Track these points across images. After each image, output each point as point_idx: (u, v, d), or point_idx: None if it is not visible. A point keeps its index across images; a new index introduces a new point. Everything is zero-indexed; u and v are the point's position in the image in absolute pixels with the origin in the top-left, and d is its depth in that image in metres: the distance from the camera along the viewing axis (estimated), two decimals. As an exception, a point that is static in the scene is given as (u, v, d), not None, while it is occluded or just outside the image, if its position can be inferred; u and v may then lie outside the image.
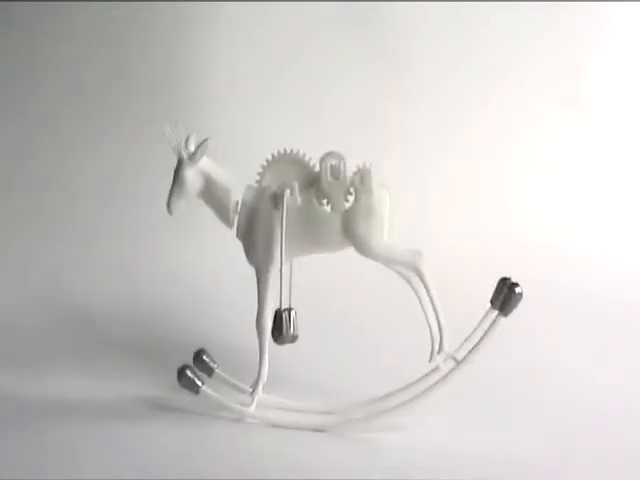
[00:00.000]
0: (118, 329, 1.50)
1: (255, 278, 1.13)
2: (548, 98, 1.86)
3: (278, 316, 1.08)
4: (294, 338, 1.09)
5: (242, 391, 1.17)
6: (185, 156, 1.09)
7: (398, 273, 1.11)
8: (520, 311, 1.13)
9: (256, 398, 1.12)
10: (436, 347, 1.09)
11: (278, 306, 1.08)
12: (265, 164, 1.10)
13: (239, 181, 1.11)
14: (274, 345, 1.10)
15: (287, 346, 1.09)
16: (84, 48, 1.77)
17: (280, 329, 1.07)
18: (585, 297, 1.59)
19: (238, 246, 1.14)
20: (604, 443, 1.06)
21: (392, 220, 1.08)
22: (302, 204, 1.08)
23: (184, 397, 1.18)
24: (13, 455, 1.02)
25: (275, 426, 1.10)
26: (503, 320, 1.05)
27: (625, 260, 1.76)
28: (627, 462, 1.02)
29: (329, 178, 1.07)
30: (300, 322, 1.10)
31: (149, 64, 1.76)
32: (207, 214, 1.72)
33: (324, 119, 1.75)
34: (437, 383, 1.07)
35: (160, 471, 0.97)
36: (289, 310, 1.09)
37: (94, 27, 1.77)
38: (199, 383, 1.11)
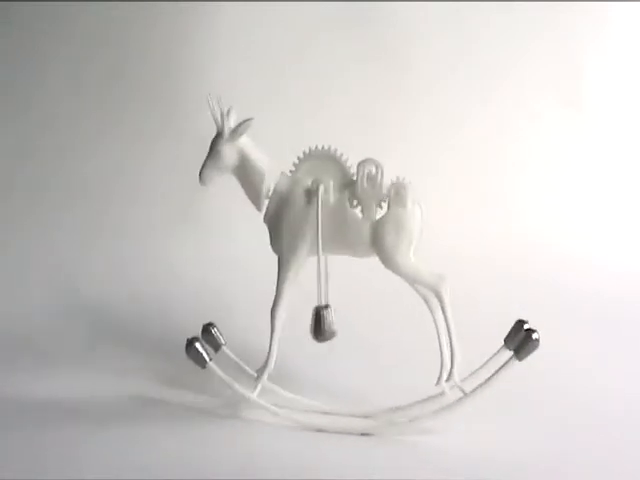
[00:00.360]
0: (118, 328, 1.50)
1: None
2: (548, 98, 1.86)
3: (317, 313, 1.07)
4: (333, 334, 1.08)
5: (247, 375, 1.16)
6: (226, 130, 1.08)
7: (416, 291, 1.11)
8: (520, 311, 1.13)
9: (260, 385, 1.12)
10: (445, 374, 1.09)
11: (317, 303, 1.08)
12: (301, 156, 1.09)
13: (275, 167, 1.10)
14: (282, 344, 1.10)
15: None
16: (84, 48, 1.77)
17: (320, 326, 1.07)
18: (585, 297, 1.59)
19: (238, 246, 1.14)
20: (604, 443, 1.06)
21: (420, 238, 1.08)
22: (334, 204, 1.08)
23: (184, 396, 1.18)
24: (13, 455, 1.02)
25: (274, 415, 1.10)
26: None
27: (625, 260, 1.76)
28: (627, 462, 1.02)
29: (365, 184, 1.07)
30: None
31: (149, 64, 1.76)
32: (207, 214, 1.73)
33: (324, 119, 1.75)
34: (442, 410, 1.07)
35: (160, 471, 0.97)
36: (327, 307, 1.08)
37: (94, 27, 1.77)
38: (207, 358, 1.10)
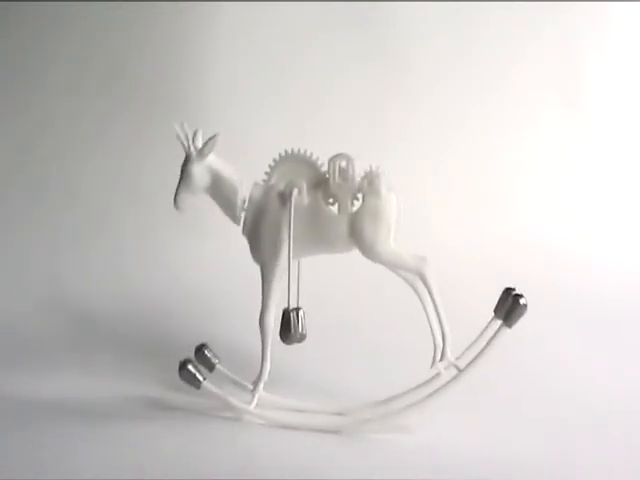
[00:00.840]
0: (117, 329, 1.49)
1: (258, 277, 1.12)
2: (548, 98, 1.86)
3: (286, 316, 1.07)
4: (302, 338, 1.09)
5: (243, 388, 1.16)
6: (193, 151, 1.08)
7: (403, 278, 1.11)
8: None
9: (257, 396, 1.12)
10: (438, 354, 1.09)
11: (286, 306, 1.07)
12: (273, 162, 1.10)
13: (246, 178, 1.10)
14: (278, 345, 1.10)
15: (291, 347, 1.09)
16: (84, 48, 1.77)
17: (288, 328, 1.07)
18: (585, 297, 1.59)
19: (238, 246, 1.14)
20: (604, 443, 1.06)
21: (399, 224, 1.08)
22: (309, 204, 1.08)
23: (184, 397, 1.18)
24: (13, 455, 1.02)
25: (275, 425, 1.10)
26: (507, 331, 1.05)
27: (625, 260, 1.76)
28: (627, 463, 1.02)
29: (337, 179, 1.07)
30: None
31: (149, 64, 1.76)
32: (206, 214, 1.72)
33: (324, 119, 1.75)
34: (439, 390, 1.07)
35: (159, 471, 0.97)
36: (297, 309, 1.08)
37: (94, 27, 1.77)
38: (200, 378, 1.10)
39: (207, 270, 1.66)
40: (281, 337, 1.08)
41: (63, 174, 1.75)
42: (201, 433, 1.07)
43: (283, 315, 1.08)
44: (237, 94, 1.76)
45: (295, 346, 1.09)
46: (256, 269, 1.13)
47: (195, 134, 1.09)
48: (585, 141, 1.89)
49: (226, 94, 1.75)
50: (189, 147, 1.08)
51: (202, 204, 1.11)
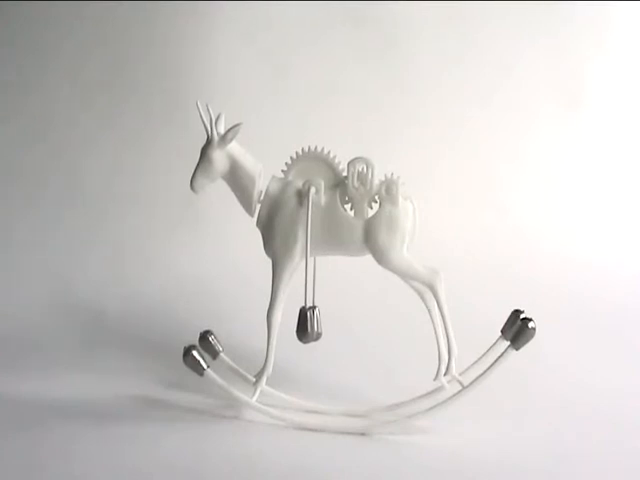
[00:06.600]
0: (117, 329, 1.50)
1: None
2: (548, 98, 1.86)
3: (303, 314, 1.07)
4: (318, 336, 1.09)
5: (246, 382, 1.17)
6: (215, 136, 1.08)
7: (413, 288, 1.11)
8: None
9: (259, 389, 1.12)
10: (442, 368, 1.10)
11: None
12: (292, 159, 1.10)
13: (265, 170, 1.10)
14: (284, 343, 1.10)
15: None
16: (82, 48, 1.77)
17: (305, 327, 1.07)
18: (585, 297, 1.60)
19: (238, 246, 1.14)
20: (606, 446, 1.06)
21: (414, 234, 1.08)
22: (326, 205, 1.08)
23: (184, 396, 1.18)
24: (13, 455, 1.02)
25: (275, 419, 1.10)
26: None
27: (625, 260, 1.76)
28: (629, 464, 1.02)
29: (355, 183, 1.07)
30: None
31: (148, 64, 1.76)
32: (206, 214, 1.73)
33: (323, 119, 1.75)
34: (441, 404, 1.07)
35: (159, 471, 0.97)
36: (313, 308, 1.08)
37: (93, 27, 1.77)
38: (204, 365, 1.10)
39: (207, 270, 1.66)
40: (298, 336, 1.08)
41: (61, 175, 1.76)
42: (201, 433, 1.07)
43: (300, 313, 1.08)
44: (238, 91, 1.76)
45: (299, 345, 1.09)
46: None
47: (218, 118, 1.09)
48: (585, 141, 1.88)
49: (227, 91, 1.75)
50: (212, 131, 1.08)
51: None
